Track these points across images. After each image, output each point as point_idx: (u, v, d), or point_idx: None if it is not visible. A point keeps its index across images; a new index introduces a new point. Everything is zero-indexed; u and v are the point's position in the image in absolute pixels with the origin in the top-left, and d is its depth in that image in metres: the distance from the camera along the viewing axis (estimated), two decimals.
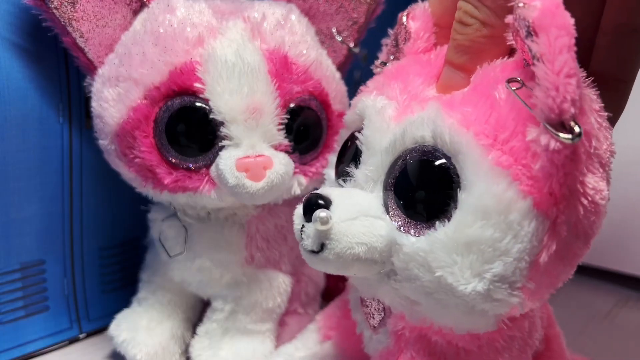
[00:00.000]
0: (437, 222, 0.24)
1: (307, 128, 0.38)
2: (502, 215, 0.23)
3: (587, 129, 0.24)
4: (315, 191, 0.27)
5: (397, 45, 0.32)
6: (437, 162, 0.25)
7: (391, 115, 0.27)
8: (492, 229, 0.23)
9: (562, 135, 0.22)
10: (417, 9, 0.31)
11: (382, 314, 0.32)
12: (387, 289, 0.27)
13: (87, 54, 0.37)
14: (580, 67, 0.26)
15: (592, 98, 0.26)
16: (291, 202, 0.37)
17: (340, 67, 0.42)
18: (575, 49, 0.21)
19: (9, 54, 0.38)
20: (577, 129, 0.21)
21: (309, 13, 0.41)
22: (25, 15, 0.37)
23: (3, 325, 0.41)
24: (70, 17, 0.36)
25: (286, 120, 0.37)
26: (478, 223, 0.23)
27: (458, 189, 0.24)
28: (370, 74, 0.33)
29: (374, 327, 0.32)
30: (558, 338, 0.35)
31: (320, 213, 0.25)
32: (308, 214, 0.26)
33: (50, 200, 0.42)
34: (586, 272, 0.61)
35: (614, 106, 0.28)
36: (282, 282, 0.41)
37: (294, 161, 0.37)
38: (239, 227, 0.40)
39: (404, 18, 0.31)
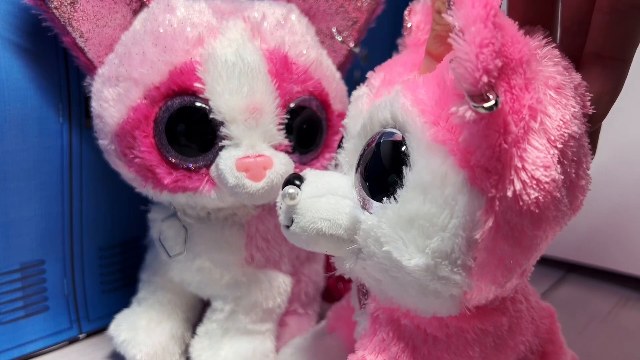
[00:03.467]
0: (387, 199, 0.25)
1: (307, 128, 0.38)
2: (439, 190, 0.23)
3: (531, 104, 0.24)
4: (295, 172, 0.29)
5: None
6: (393, 142, 0.26)
7: (365, 102, 0.29)
8: (429, 204, 0.24)
9: (473, 104, 0.21)
10: (417, 5, 0.33)
11: (366, 297, 0.32)
12: (358, 268, 0.28)
13: (87, 53, 0.37)
14: (575, 47, 0.27)
15: (548, 74, 0.25)
16: None
17: (340, 67, 0.42)
18: (495, 20, 0.21)
19: (8, 54, 0.38)
20: (491, 98, 0.21)
21: (309, 13, 0.41)
22: (25, 15, 0.37)
23: (3, 326, 0.41)
24: (70, 17, 0.36)
25: (286, 120, 0.37)
26: (418, 198, 0.24)
27: (406, 167, 0.25)
28: None
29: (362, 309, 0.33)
30: (560, 357, 0.33)
31: (289, 189, 0.27)
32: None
33: (50, 200, 0.42)
34: (586, 272, 0.61)
35: (612, 86, 0.27)
36: (282, 282, 0.41)
37: (294, 161, 0.37)
38: (239, 227, 0.40)
39: (405, 16, 0.33)
